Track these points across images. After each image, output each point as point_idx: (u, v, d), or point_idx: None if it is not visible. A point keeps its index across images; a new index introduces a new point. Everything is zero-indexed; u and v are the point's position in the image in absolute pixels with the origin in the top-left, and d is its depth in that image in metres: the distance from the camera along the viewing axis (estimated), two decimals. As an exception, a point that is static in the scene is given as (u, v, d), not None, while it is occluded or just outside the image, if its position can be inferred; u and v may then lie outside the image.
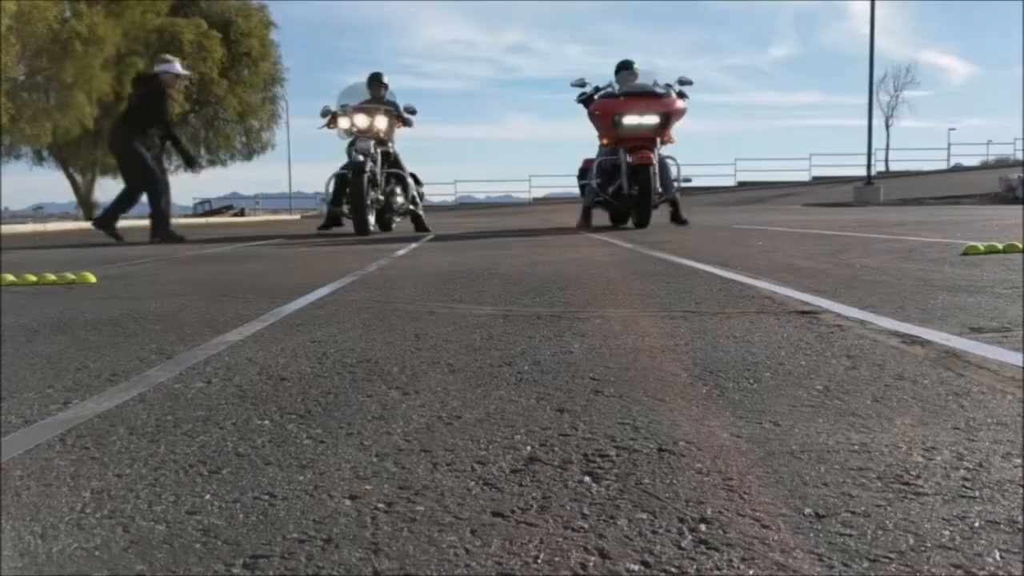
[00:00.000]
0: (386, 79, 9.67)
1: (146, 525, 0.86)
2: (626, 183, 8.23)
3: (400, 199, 9.49)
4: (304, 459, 1.07)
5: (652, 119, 8.21)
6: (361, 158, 8.25)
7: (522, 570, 0.74)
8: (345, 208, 8.76)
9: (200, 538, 0.82)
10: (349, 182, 8.25)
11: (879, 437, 1.10)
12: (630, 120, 8.18)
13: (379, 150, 8.73)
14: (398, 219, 10.00)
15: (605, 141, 8.61)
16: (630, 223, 8.70)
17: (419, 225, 9.56)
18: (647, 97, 8.35)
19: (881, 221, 8.67)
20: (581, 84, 8.77)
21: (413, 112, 9.57)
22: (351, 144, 8.74)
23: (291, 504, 0.91)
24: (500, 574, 0.74)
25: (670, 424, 1.18)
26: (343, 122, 8.81)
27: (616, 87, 8.58)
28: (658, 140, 8.37)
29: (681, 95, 8.48)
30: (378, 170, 8.66)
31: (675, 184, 8.77)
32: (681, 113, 8.45)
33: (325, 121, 8.98)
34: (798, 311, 2.23)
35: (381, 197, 8.87)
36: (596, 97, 8.64)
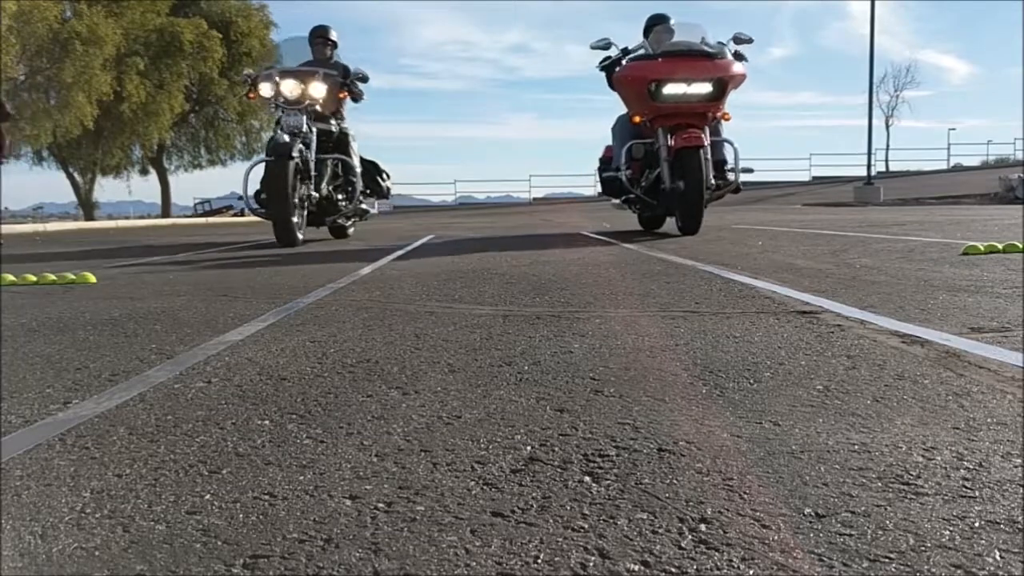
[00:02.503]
0: (334, 35, 7.33)
1: (146, 525, 0.86)
2: (667, 174, 6.12)
3: (343, 196, 7.19)
4: (304, 459, 1.07)
5: (703, 87, 6.03)
6: (286, 138, 6.12)
7: (522, 570, 0.74)
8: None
9: (200, 538, 0.82)
10: (267, 171, 6.10)
11: (879, 437, 1.10)
12: (673, 88, 6.01)
13: (315, 128, 6.57)
14: (350, 222, 7.80)
15: (637, 118, 6.35)
16: (669, 227, 6.65)
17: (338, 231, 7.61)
18: (695, 58, 6.13)
19: (881, 221, 8.67)
20: (604, 46, 6.58)
21: (364, 79, 7.20)
22: (278, 122, 6.65)
23: (291, 504, 0.91)
24: (500, 574, 0.74)
25: (670, 424, 1.18)
26: (265, 89, 6.46)
27: (650, 49, 6.39)
28: (710, 116, 6.20)
29: (738, 56, 6.31)
30: (311, 155, 6.45)
31: (732, 175, 6.60)
32: (740, 80, 6.24)
33: (246, 90, 6.77)
34: (798, 311, 2.23)
35: (315, 193, 6.61)
36: (625, 61, 6.51)
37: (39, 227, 16.04)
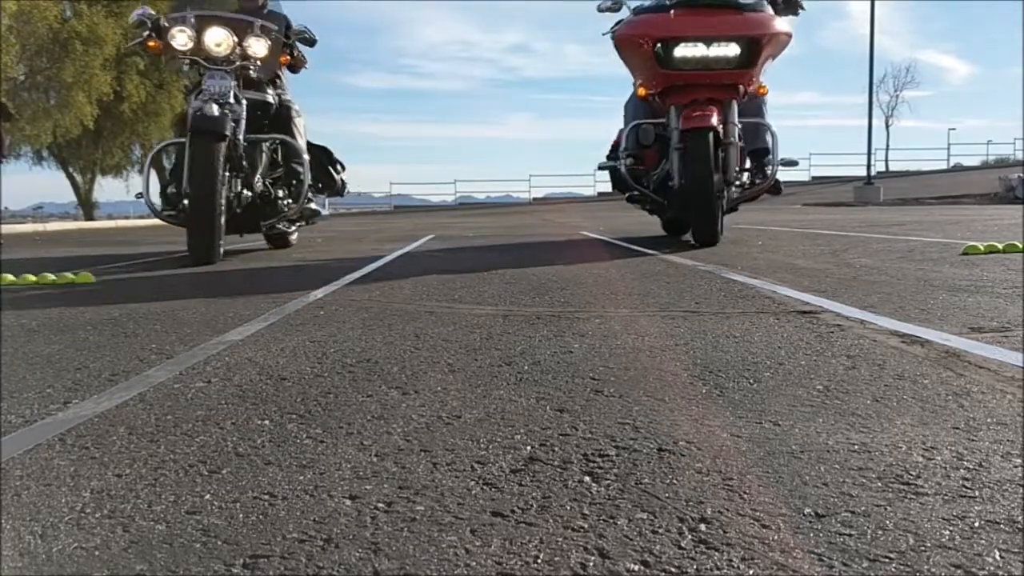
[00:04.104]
0: None
1: (146, 525, 0.86)
2: (677, 166, 4.74)
3: (285, 192, 5.29)
4: (304, 459, 1.07)
5: (728, 49, 4.52)
6: (215, 110, 4.32)
7: (522, 570, 0.74)
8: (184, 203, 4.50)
9: (200, 538, 0.82)
10: (192, 153, 4.28)
11: (879, 437, 1.10)
12: (688, 50, 4.53)
13: (244, 100, 4.71)
14: (294, 228, 5.96)
15: (643, 89, 4.92)
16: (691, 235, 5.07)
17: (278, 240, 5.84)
18: (719, 9, 4.58)
19: (881, 221, 8.67)
20: (615, 7, 4.96)
21: (311, 42, 5.25)
22: (194, 87, 4.78)
23: (291, 504, 0.91)
24: (500, 574, 0.74)
25: (670, 424, 1.18)
26: (178, 38, 4.51)
27: None
28: (740, 89, 4.73)
29: (787, 5, 4.78)
30: (240, 136, 4.60)
31: (771, 168, 5.08)
32: (782, 41, 4.67)
33: (142, 38, 4.69)
34: (798, 311, 2.23)
35: (247, 193, 4.83)
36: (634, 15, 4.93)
37: (39, 227, 16.05)
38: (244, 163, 4.75)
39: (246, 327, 2.17)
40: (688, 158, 4.59)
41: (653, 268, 3.64)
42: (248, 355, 1.79)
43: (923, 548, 0.76)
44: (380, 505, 0.90)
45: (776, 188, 5.30)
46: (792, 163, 5.39)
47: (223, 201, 4.43)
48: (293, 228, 5.92)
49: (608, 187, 6.56)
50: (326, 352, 1.81)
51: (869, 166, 24.07)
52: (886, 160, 38.85)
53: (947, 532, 0.80)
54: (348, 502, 0.91)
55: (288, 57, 5.22)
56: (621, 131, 5.67)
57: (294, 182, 5.26)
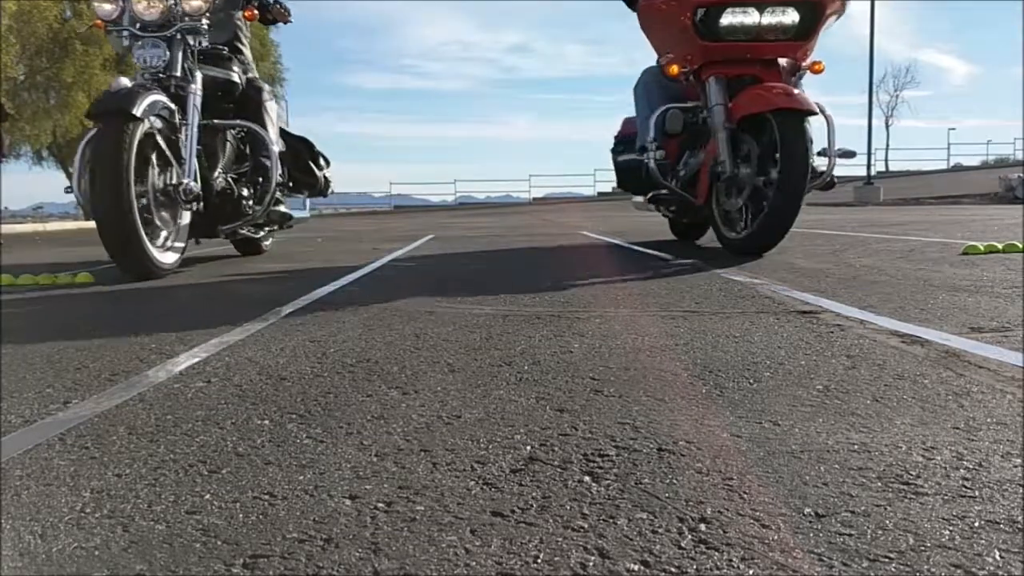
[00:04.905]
0: None
1: (146, 525, 0.86)
2: (728, 151, 3.90)
3: (250, 191, 4.34)
4: (304, 459, 1.07)
5: (784, 15, 3.75)
6: (126, 83, 3.55)
7: (522, 570, 0.74)
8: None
9: (200, 538, 0.82)
10: (93, 137, 3.45)
11: (879, 437, 1.10)
12: (737, 17, 3.76)
13: (199, 74, 3.92)
14: (265, 232, 5.07)
15: (675, 68, 4.10)
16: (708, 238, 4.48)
17: (249, 246, 5.16)
18: None
19: (881, 221, 8.66)
20: None
21: None
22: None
23: (291, 504, 0.91)
24: (500, 574, 0.74)
25: (670, 424, 1.18)
26: (103, 7, 3.77)
27: None
28: (787, 65, 4.00)
29: None
30: (190, 117, 3.77)
31: (829, 161, 4.08)
32: (838, 8, 3.91)
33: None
34: (798, 311, 2.23)
35: (189, 182, 3.69)
36: None
37: (39, 227, 16.05)
38: (196, 147, 3.82)
39: (246, 327, 2.17)
40: (782, 151, 3.63)
41: (653, 268, 3.64)
42: (248, 355, 1.79)
43: (923, 548, 0.76)
44: (380, 505, 0.90)
45: (831, 183, 4.28)
46: (850, 154, 4.29)
47: (154, 195, 3.63)
48: (263, 233, 5.06)
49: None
50: (326, 352, 1.80)
51: (869, 166, 24.08)
52: (886, 160, 38.88)
53: (947, 532, 0.80)
54: (348, 502, 0.91)
55: (252, 11, 4.45)
56: (629, 119, 4.88)
57: (260, 180, 4.38)
